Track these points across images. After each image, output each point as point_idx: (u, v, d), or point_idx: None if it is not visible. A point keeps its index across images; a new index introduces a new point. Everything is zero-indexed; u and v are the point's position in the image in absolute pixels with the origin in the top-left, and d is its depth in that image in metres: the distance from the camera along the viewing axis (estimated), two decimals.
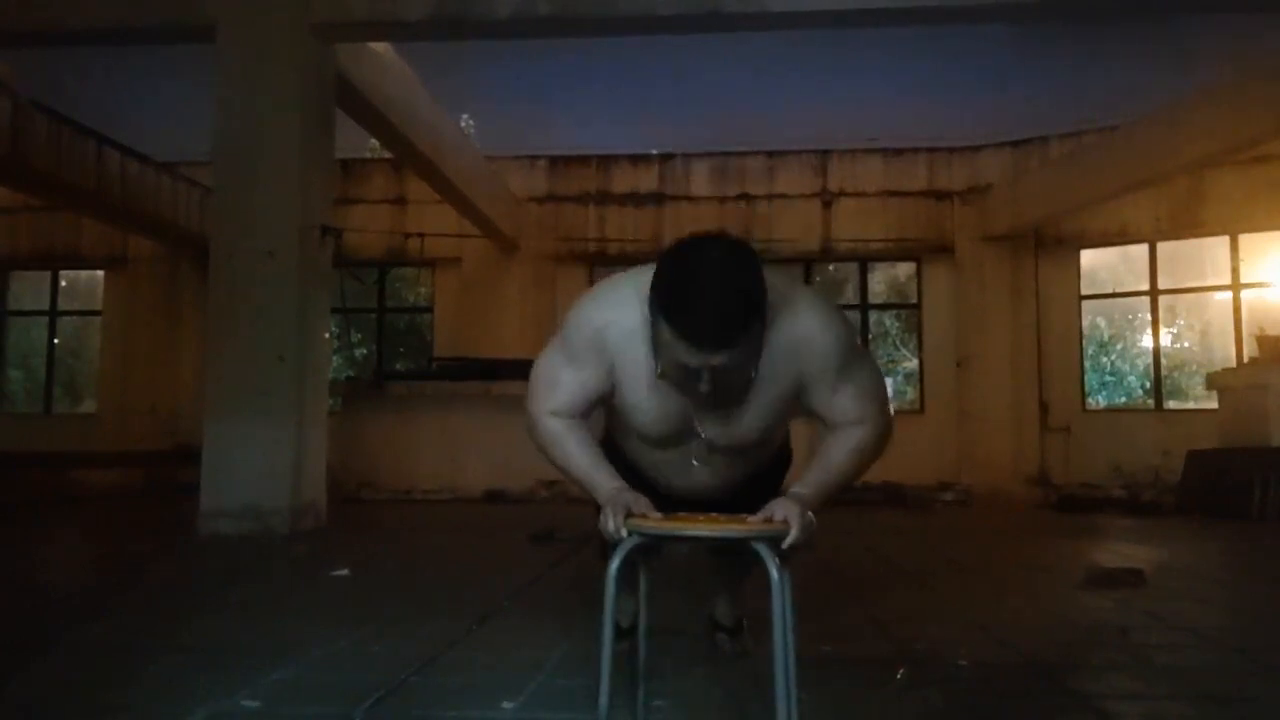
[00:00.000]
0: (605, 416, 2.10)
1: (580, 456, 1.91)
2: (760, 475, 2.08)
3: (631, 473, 1.97)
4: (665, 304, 1.66)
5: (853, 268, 12.54)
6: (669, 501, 1.95)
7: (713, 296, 1.62)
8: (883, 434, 1.94)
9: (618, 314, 1.85)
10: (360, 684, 2.19)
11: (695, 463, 1.98)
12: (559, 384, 1.92)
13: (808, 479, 1.85)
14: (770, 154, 11.93)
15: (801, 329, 1.83)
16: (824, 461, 1.89)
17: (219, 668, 2.37)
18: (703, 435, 1.93)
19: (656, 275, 1.69)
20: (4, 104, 8.38)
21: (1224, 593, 4.10)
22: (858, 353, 1.93)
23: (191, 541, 5.62)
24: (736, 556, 2.19)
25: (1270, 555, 5.68)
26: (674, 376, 1.74)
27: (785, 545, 1.68)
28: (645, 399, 1.88)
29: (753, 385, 1.82)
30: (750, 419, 1.90)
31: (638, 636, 1.97)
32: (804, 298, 1.88)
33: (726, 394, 1.78)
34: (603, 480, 1.87)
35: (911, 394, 12.70)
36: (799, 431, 2.17)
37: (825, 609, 3.21)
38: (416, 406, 9.64)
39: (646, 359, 1.80)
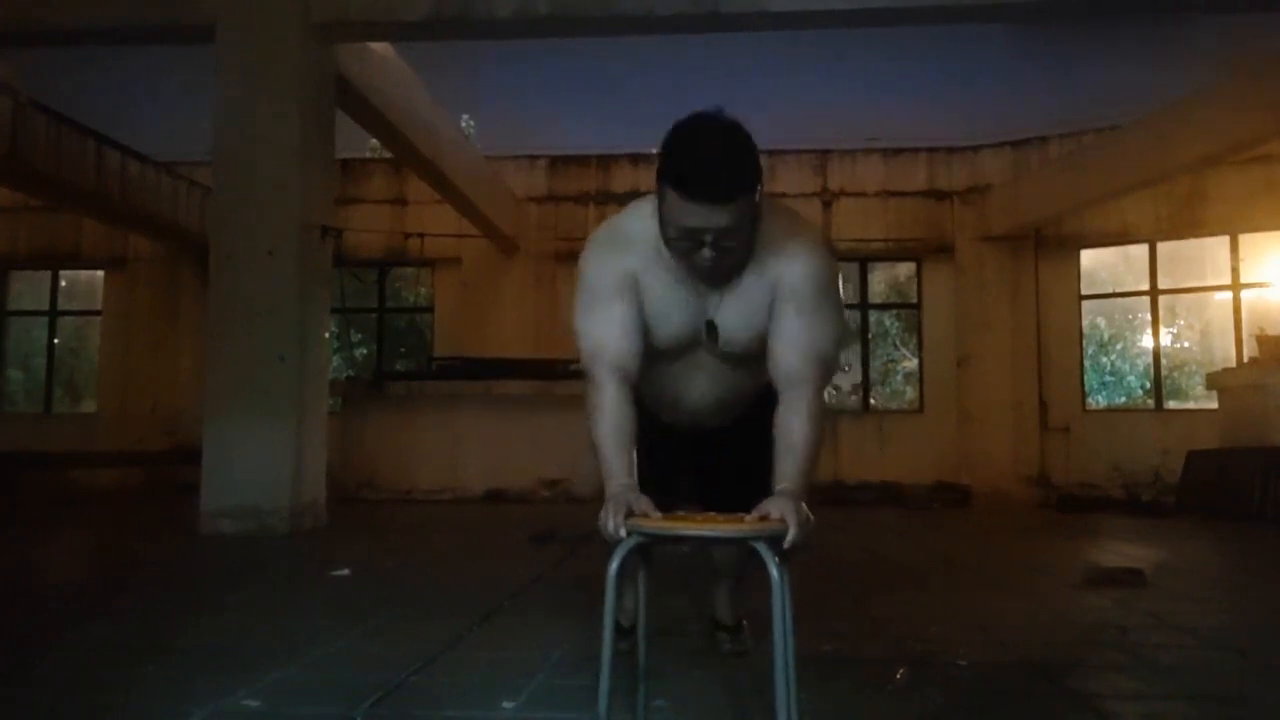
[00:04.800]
0: None
1: (612, 437, 1.93)
2: (751, 415, 2.15)
3: (648, 393, 2.12)
4: (671, 165, 1.82)
5: (853, 268, 12.52)
6: (675, 426, 2.23)
7: (711, 155, 1.80)
8: (822, 390, 2.00)
9: (625, 235, 2.02)
10: (360, 684, 2.19)
11: (699, 370, 2.12)
12: (608, 322, 1.98)
13: (786, 471, 1.86)
14: (770, 154, 11.91)
15: (793, 245, 1.98)
16: (789, 444, 1.90)
17: (219, 668, 2.37)
18: (707, 334, 2.04)
19: (663, 146, 1.84)
20: (4, 104, 8.38)
21: (1224, 593, 4.10)
22: (832, 295, 2.02)
23: (191, 541, 5.62)
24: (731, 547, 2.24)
25: (1270, 555, 5.68)
26: (679, 245, 1.87)
27: (786, 545, 1.68)
28: (663, 303, 2.00)
29: (746, 269, 1.96)
30: (741, 319, 2.01)
31: (638, 636, 1.97)
32: (808, 228, 2.07)
33: (727, 258, 1.89)
34: (618, 471, 1.88)
35: (911, 394, 12.71)
36: None
37: (825, 609, 3.21)
38: (416, 406, 9.64)
39: (659, 261, 1.96)
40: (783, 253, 1.98)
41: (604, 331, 1.98)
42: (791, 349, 1.96)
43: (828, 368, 2.02)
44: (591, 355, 2.00)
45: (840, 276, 2.10)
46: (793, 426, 1.92)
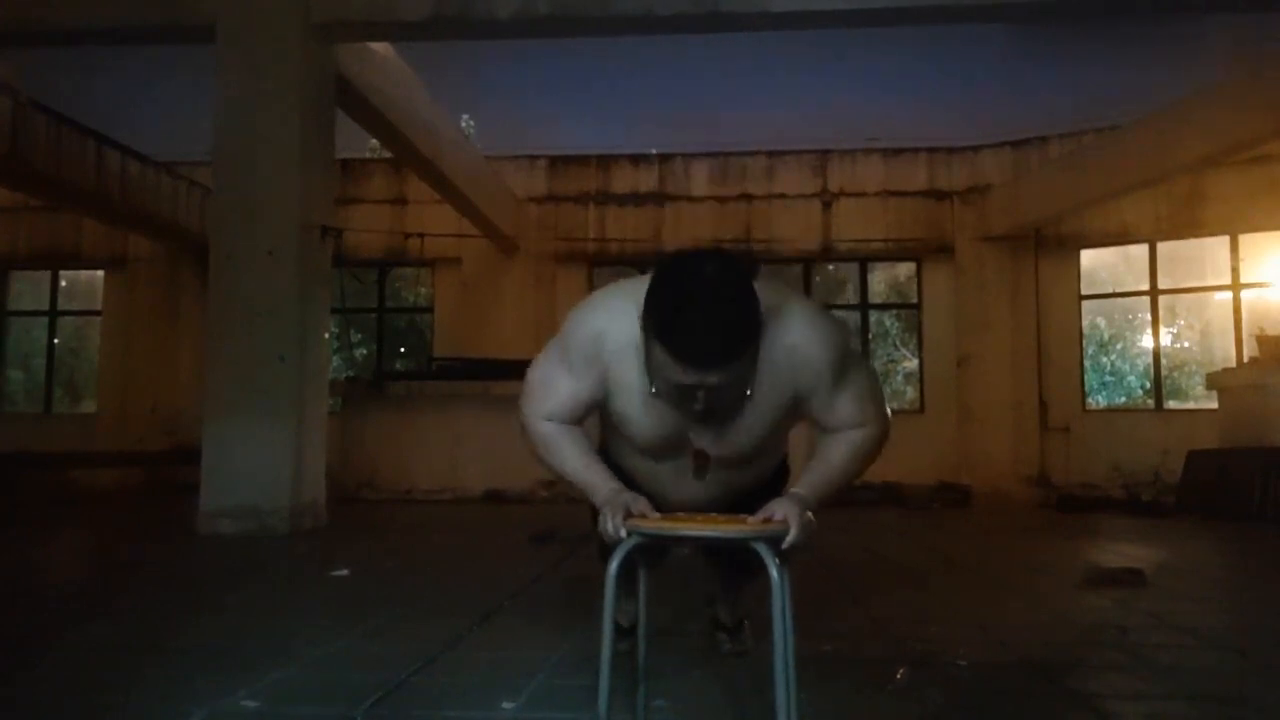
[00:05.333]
0: (600, 425, 2.09)
1: (575, 459, 1.91)
2: (756, 489, 2.04)
3: (627, 483, 1.94)
4: (658, 324, 1.64)
5: (853, 268, 12.53)
6: (665, 510, 1.94)
7: (706, 318, 1.60)
8: (882, 435, 1.95)
9: (614, 324, 1.82)
10: (360, 684, 2.19)
11: (691, 476, 1.96)
12: (553, 389, 1.92)
13: (807, 479, 1.85)
14: (770, 154, 11.93)
15: (793, 340, 1.81)
16: (823, 462, 1.88)
17: (219, 668, 2.37)
18: (697, 449, 1.92)
19: (649, 295, 1.67)
20: (4, 104, 8.38)
21: (1224, 593, 4.10)
22: (852, 357, 1.92)
23: (191, 541, 5.62)
24: (730, 556, 2.18)
25: (1270, 555, 5.68)
26: (667, 395, 1.74)
27: (785, 545, 1.68)
28: (639, 411, 1.86)
29: (747, 400, 1.81)
30: (746, 433, 1.88)
31: (638, 636, 1.97)
32: (793, 307, 1.85)
33: (721, 411, 1.78)
34: (600, 481, 1.87)
35: (911, 394, 12.70)
36: (798, 432, 2.17)
37: (825, 609, 3.21)
38: (416, 406, 9.63)
39: (641, 371, 1.79)
40: (793, 358, 1.82)
41: (552, 394, 1.92)
42: (838, 414, 1.89)
43: (880, 409, 1.94)
44: (532, 398, 1.95)
45: (849, 334, 2.03)
46: (832, 451, 1.88)
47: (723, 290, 1.63)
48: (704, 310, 1.61)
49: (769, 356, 1.77)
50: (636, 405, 1.85)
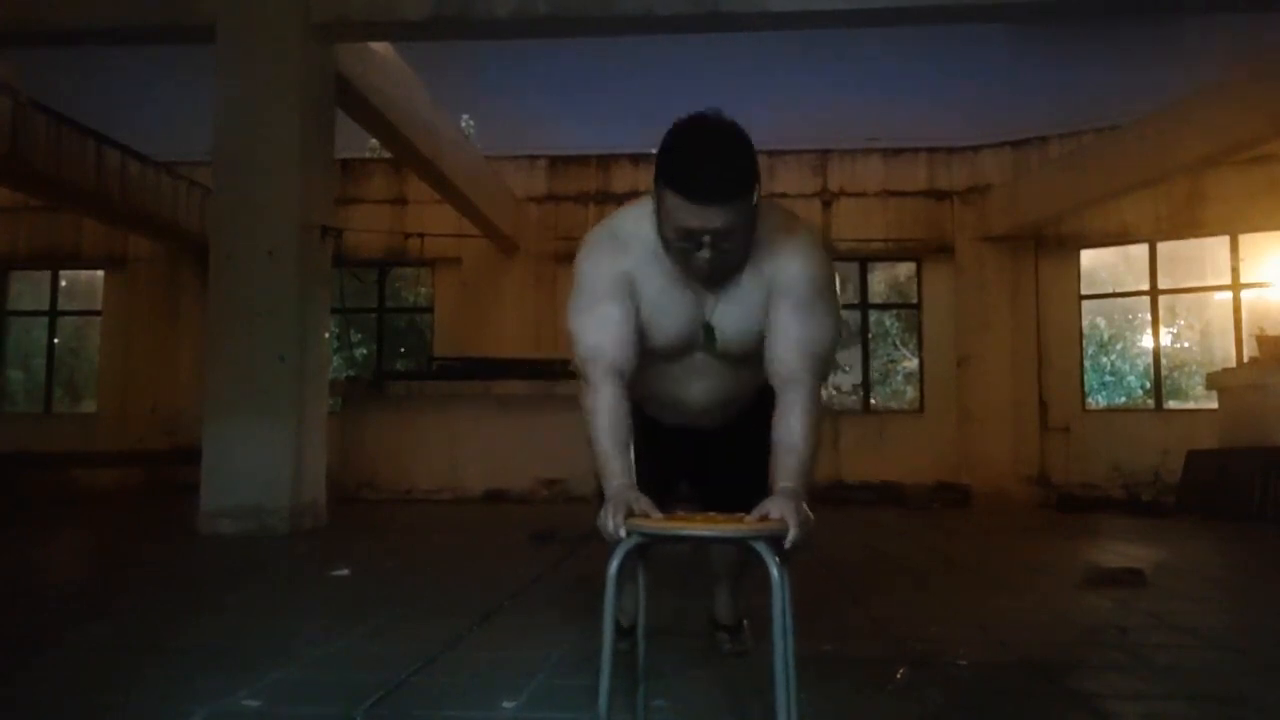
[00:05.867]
0: None
1: (610, 436, 1.92)
2: (749, 415, 2.17)
3: (645, 395, 2.13)
4: (668, 166, 1.82)
5: (853, 268, 12.52)
6: (673, 427, 2.24)
7: (709, 155, 1.80)
8: (818, 388, 1.99)
9: (621, 237, 2.01)
10: (360, 684, 2.19)
11: (698, 371, 2.11)
12: (605, 320, 1.97)
13: (785, 471, 1.85)
14: (770, 154, 11.91)
15: (789, 244, 1.99)
16: (789, 444, 1.89)
17: (219, 668, 2.37)
18: (705, 337, 2.04)
19: (661, 146, 1.84)
20: (4, 104, 8.38)
21: (1224, 593, 4.10)
22: (828, 293, 2.02)
23: (191, 541, 5.62)
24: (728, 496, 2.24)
25: (1270, 555, 5.68)
26: (677, 246, 1.88)
27: (787, 545, 1.68)
28: (660, 306, 1.99)
29: (743, 270, 1.96)
30: (739, 320, 2.01)
31: (638, 636, 1.97)
32: (804, 228, 2.07)
33: (725, 260, 1.90)
34: (616, 472, 1.87)
35: (911, 394, 12.71)
36: None
37: (825, 609, 3.21)
38: (416, 406, 9.63)
39: (658, 263, 1.96)
40: (779, 252, 1.98)
41: (599, 333, 1.97)
42: (788, 348, 1.96)
43: (825, 366, 2.02)
44: (587, 357, 1.98)
45: (836, 276, 2.10)
46: (791, 426, 1.92)
47: (727, 136, 1.83)
48: (710, 149, 1.81)
49: (764, 246, 1.96)
50: (657, 301, 1.99)
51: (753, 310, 2.00)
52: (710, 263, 1.88)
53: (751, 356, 2.07)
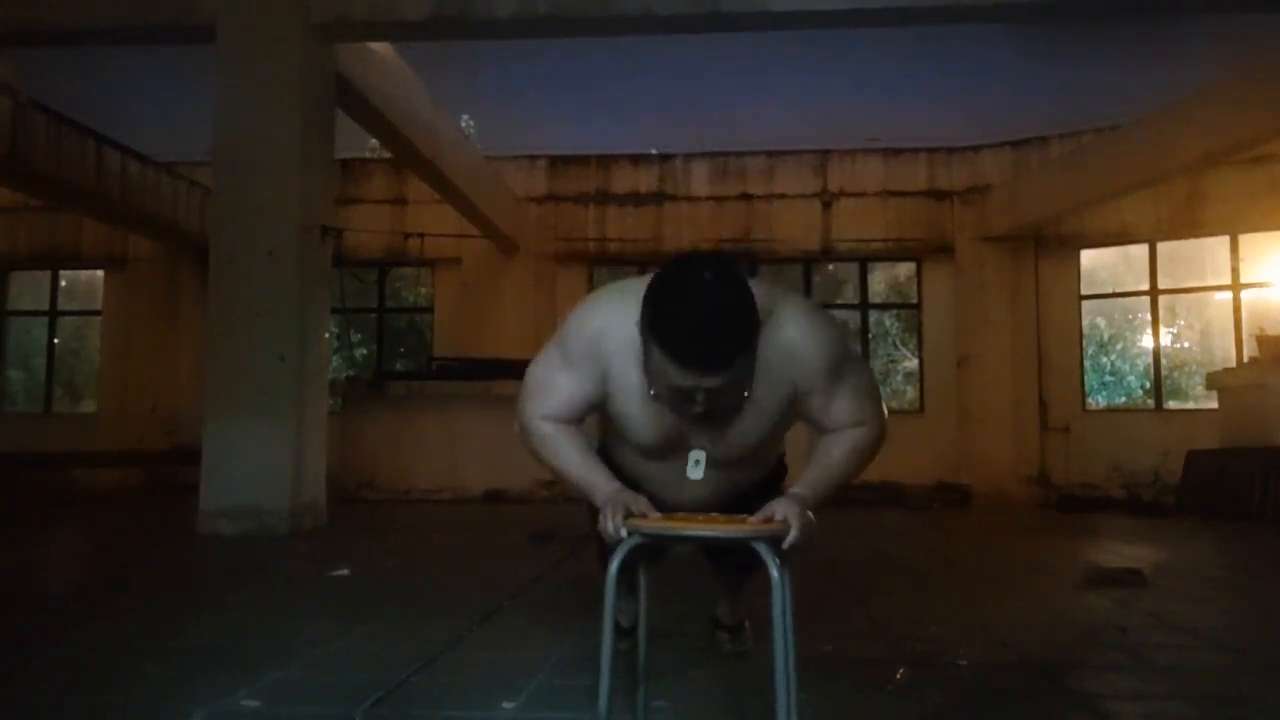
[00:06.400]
0: (600, 426, 2.09)
1: (576, 458, 1.91)
2: (755, 489, 2.05)
3: (627, 485, 1.94)
4: (656, 327, 1.66)
5: (853, 268, 12.52)
6: (665, 510, 1.95)
7: (703, 322, 1.62)
8: (880, 433, 1.95)
9: (615, 323, 1.84)
10: (360, 684, 2.19)
11: (690, 475, 1.97)
12: (553, 388, 1.92)
13: (807, 479, 1.85)
14: (770, 154, 11.91)
15: (788, 341, 1.82)
16: (822, 462, 1.89)
17: (219, 668, 2.37)
18: (696, 448, 1.93)
19: (647, 298, 1.69)
20: (4, 104, 8.38)
21: (1224, 593, 4.10)
22: (848, 357, 1.93)
23: (191, 541, 5.62)
24: (730, 555, 2.18)
25: (1270, 555, 5.68)
26: (666, 397, 1.75)
27: (785, 545, 1.68)
28: (639, 411, 1.87)
29: (746, 401, 1.82)
30: (744, 433, 1.89)
31: (638, 636, 1.97)
32: (788, 307, 1.86)
33: (719, 413, 1.79)
34: (600, 481, 1.87)
35: (911, 394, 12.70)
36: (797, 431, 2.17)
37: (825, 609, 3.21)
38: (416, 406, 9.63)
39: (641, 372, 1.80)
40: (787, 356, 1.83)
41: (552, 393, 1.92)
42: (836, 414, 1.89)
43: (877, 407, 1.94)
44: (532, 398, 1.95)
45: (846, 334, 2.04)
46: (832, 450, 1.88)
47: (720, 294, 1.65)
48: (701, 314, 1.63)
49: (766, 358, 1.78)
50: (636, 405, 1.86)
51: (765, 416, 1.87)
52: (704, 415, 1.75)
53: (757, 455, 1.97)
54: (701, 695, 2.18)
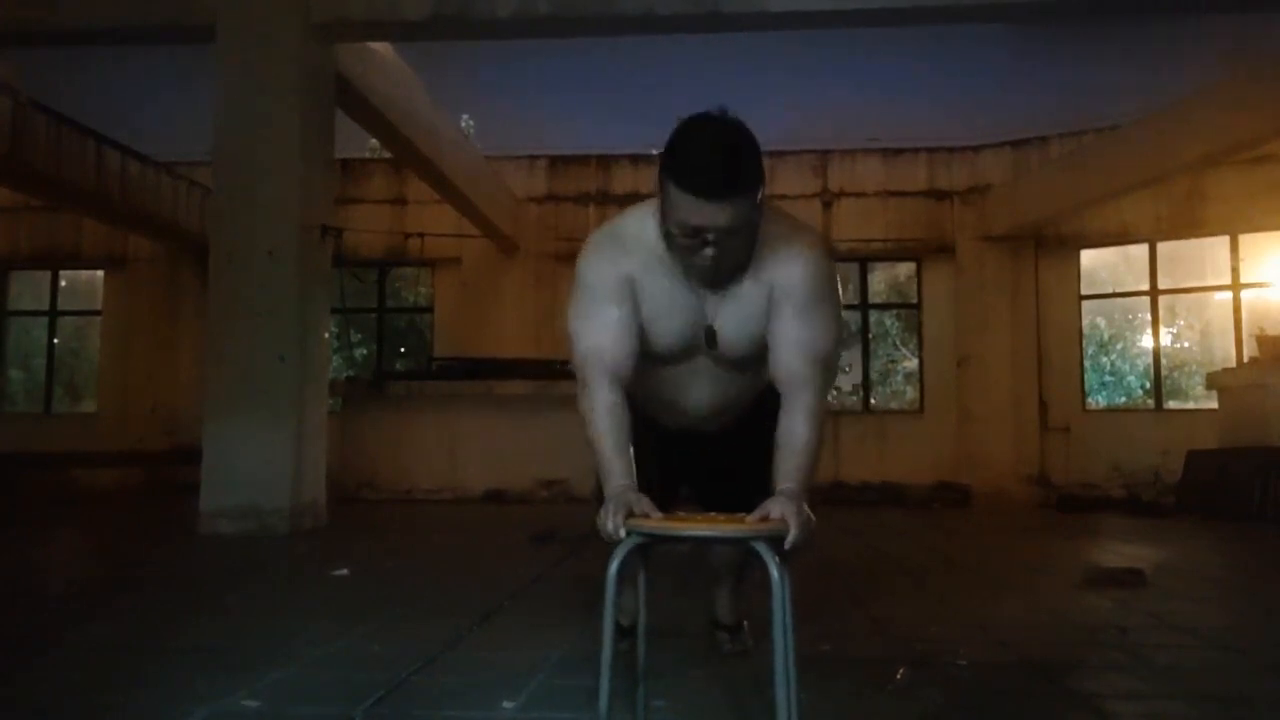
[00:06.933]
0: None
1: (610, 438, 1.92)
2: (751, 419, 2.16)
3: (646, 398, 2.12)
4: (674, 161, 1.83)
5: (853, 268, 12.52)
6: (674, 430, 2.22)
7: (716, 152, 1.80)
8: (824, 391, 2.00)
9: (624, 232, 2.02)
10: (360, 684, 2.19)
11: (699, 376, 2.11)
12: (604, 321, 1.98)
13: (786, 472, 1.86)
14: (770, 154, 11.89)
15: (790, 248, 1.99)
16: (791, 446, 1.90)
17: (219, 668, 2.37)
18: (707, 340, 2.03)
19: (667, 143, 1.85)
20: (4, 104, 8.38)
21: (1224, 593, 4.10)
22: (830, 297, 2.03)
23: (191, 541, 5.62)
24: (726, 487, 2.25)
25: (1270, 555, 5.68)
26: (680, 243, 1.88)
27: (787, 545, 1.68)
28: (661, 308, 1.99)
29: (745, 274, 1.96)
30: (741, 324, 2.01)
31: (638, 636, 1.97)
32: (805, 231, 2.07)
33: (727, 261, 1.90)
34: (617, 472, 1.87)
35: (911, 394, 12.71)
36: None
37: (825, 609, 3.21)
38: (416, 406, 9.63)
39: (659, 265, 1.96)
40: (780, 256, 1.98)
41: (600, 335, 1.98)
42: (791, 351, 1.97)
43: (828, 369, 2.03)
44: (586, 358, 1.98)
45: (838, 279, 2.10)
46: (794, 428, 1.92)
47: (733, 134, 1.84)
48: (712, 146, 1.81)
49: (767, 248, 1.96)
50: (658, 303, 1.99)
51: (754, 314, 2.00)
52: (713, 260, 1.88)
53: (753, 361, 2.07)
54: (701, 695, 2.18)
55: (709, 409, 2.18)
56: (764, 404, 2.06)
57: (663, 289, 1.99)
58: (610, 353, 1.97)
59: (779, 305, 1.98)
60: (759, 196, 1.86)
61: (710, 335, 2.03)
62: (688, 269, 1.94)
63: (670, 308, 2.00)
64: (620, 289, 1.98)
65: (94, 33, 6.95)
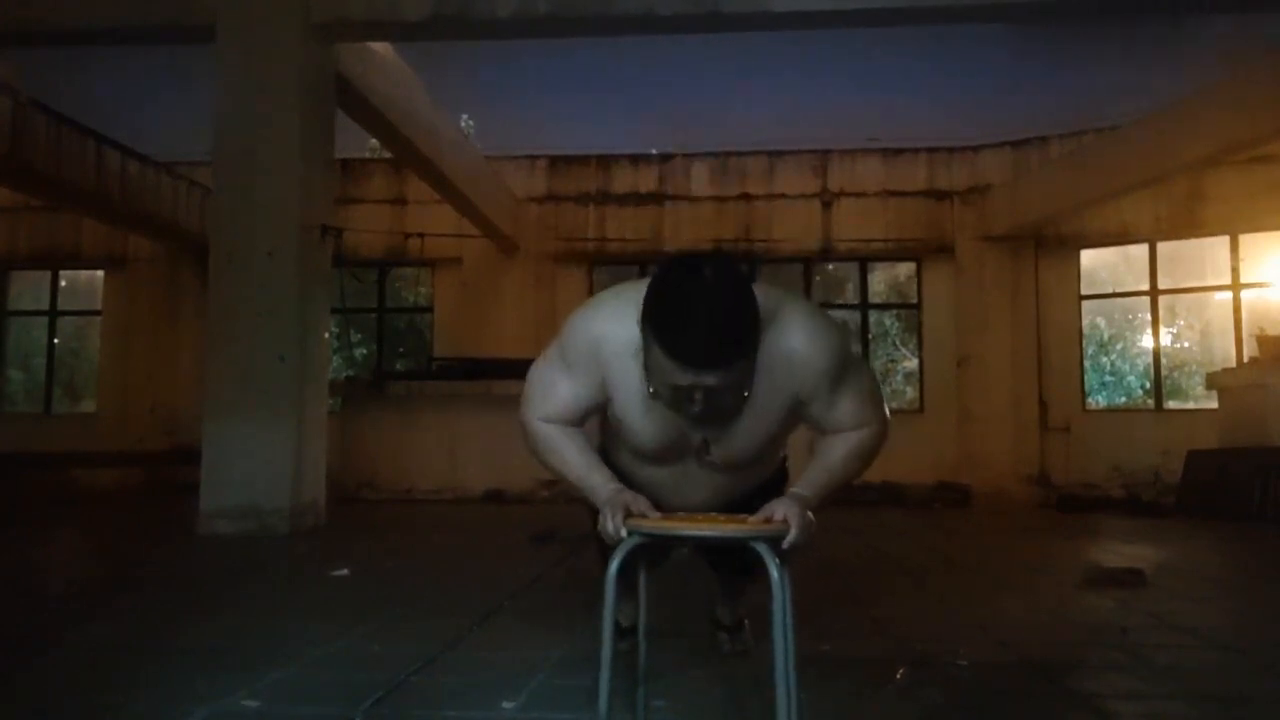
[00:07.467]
0: (600, 430, 2.09)
1: (576, 459, 1.91)
2: (757, 493, 2.03)
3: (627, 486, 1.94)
4: (656, 325, 1.65)
5: (853, 268, 12.52)
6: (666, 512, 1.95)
7: (703, 319, 1.61)
8: (881, 434, 1.95)
9: (615, 326, 1.83)
10: (360, 684, 2.19)
11: (691, 480, 1.97)
12: (554, 391, 1.93)
13: (808, 479, 1.85)
14: (770, 154, 11.91)
15: (792, 344, 1.81)
16: (824, 462, 1.89)
17: (219, 668, 2.37)
18: (700, 452, 1.92)
19: (648, 296, 1.68)
20: (4, 104, 8.38)
21: (1224, 593, 4.10)
22: (851, 360, 1.92)
23: (191, 541, 5.62)
24: (730, 555, 2.18)
25: (1270, 555, 5.68)
26: (665, 396, 1.73)
27: (785, 545, 1.68)
28: (640, 414, 1.87)
29: (746, 404, 1.80)
30: (745, 437, 1.88)
31: (638, 636, 1.97)
32: (791, 310, 1.85)
33: (719, 413, 1.77)
34: (600, 481, 1.87)
35: (911, 394, 12.70)
36: (799, 434, 2.17)
37: (825, 609, 3.21)
38: (416, 406, 9.63)
39: (641, 375, 1.78)
40: (792, 359, 1.82)
41: (552, 396, 1.93)
42: (838, 417, 1.89)
43: (879, 409, 1.94)
44: (532, 400, 1.96)
45: (848, 337, 2.04)
46: (835, 446, 1.89)
47: (720, 292, 1.63)
48: (701, 311, 1.61)
49: (768, 361, 1.77)
50: (637, 408, 1.85)
51: (768, 420, 1.87)
52: (702, 415, 1.74)
53: (759, 460, 1.97)
54: (701, 695, 2.18)
55: (709, 507, 2.02)
56: (771, 490, 1.96)
57: (644, 398, 1.80)
58: (553, 414, 1.93)
59: (810, 403, 1.87)
60: (755, 354, 1.71)
61: (704, 447, 1.91)
62: (674, 412, 1.78)
63: (652, 417, 1.86)
64: (591, 373, 1.87)
65: (94, 33, 6.95)
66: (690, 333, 1.61)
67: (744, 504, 1.96)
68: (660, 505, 1.90)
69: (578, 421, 1.93)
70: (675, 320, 1.62)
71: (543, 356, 2.00)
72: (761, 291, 1.73)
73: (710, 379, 1.65)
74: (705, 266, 1.65)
